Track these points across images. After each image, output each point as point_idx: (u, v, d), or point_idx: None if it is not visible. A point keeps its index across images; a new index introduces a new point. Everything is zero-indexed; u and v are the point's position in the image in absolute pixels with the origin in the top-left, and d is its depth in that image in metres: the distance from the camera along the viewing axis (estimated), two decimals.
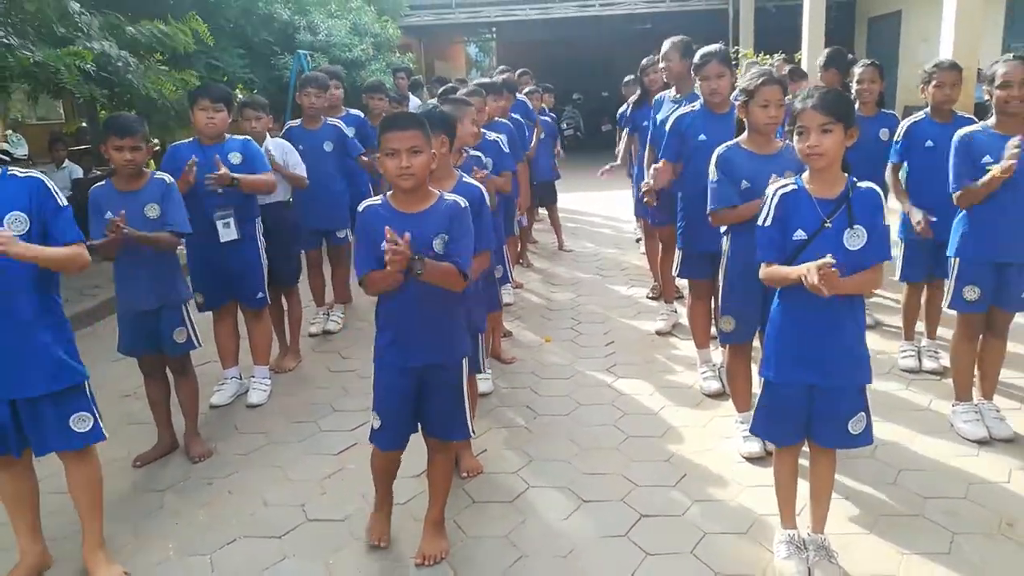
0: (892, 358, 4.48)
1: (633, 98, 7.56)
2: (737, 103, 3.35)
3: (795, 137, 2.51)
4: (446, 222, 2.64)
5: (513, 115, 6.06)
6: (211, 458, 3.76)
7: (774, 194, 2.59)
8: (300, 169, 4.83)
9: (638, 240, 8.01)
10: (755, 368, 3.29)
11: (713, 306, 4.30)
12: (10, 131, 21.73)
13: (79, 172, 8.84)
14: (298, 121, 5.40)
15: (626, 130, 7.10)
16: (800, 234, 2.53)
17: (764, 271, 2.63)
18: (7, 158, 19.91)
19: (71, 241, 2.67)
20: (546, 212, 8.61)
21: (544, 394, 4.34)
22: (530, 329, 5.53)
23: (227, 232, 4.16)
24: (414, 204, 2.66)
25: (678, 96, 4.89)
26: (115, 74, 6.23)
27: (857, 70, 4.88)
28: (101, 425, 2.83)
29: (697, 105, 4.07)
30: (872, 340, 4.74)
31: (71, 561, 2.94)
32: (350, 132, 5.54)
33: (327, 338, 5.57)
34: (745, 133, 3.35)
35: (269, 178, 4.31)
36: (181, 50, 7.05)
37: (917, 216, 3.97)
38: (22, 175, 2.66)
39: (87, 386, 2.79)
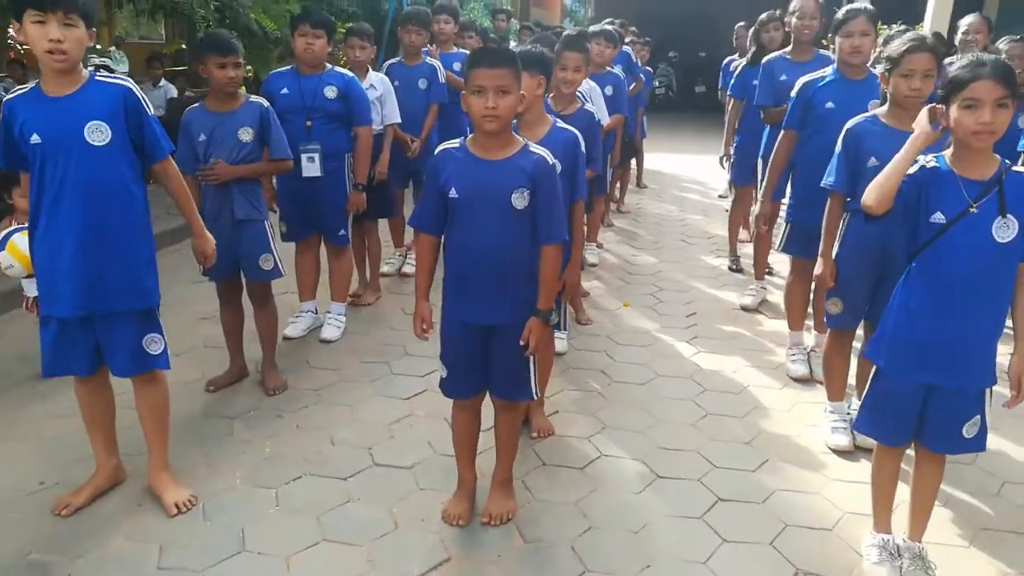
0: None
1: (740, 57, 7.23)
2: (879, 71, 3.05)
3: (956, 110, 2.23)
4: (528, 178, 2.43)
5: (612, 68, 5.79)
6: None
7: (914, 166, 2.34)
8: (392, 117, 4.72)
9: (727, 210, 7.68)
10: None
11: (812, 287, 4.06)
12: (113, 47, 22.37)
13: (174, 92, 8.95)
14: (398, 58, 5.29)
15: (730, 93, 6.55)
16: (939, 217, 2.28)
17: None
18: (109, 73, 20.64)
19: (160, 157, 2.63)
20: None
21: (620, 360, 4.18)
22: (608, 291, 5.36)
23: (311, 167, 4.10)
24: (495, 151, 2.47)
25: (790, 56, 4.58)
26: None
27: (1003, 46, 4.48)
28: (168, 353, 2.82)
29: (828, 71, 3.76)
30: None
31: (144, 477, 2.95)
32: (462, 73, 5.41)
33: (403, 280, 5.52)
34: (885, 106, 3.06)
35: (364, 142, 4.27)
36: None
37: None
38: (110, 81, 2.60)
39: (157, 311, 2.78)
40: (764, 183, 3.93)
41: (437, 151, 2.56)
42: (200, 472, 3.08)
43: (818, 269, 3.18)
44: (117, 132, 2.54)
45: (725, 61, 7.97)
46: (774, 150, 3.90)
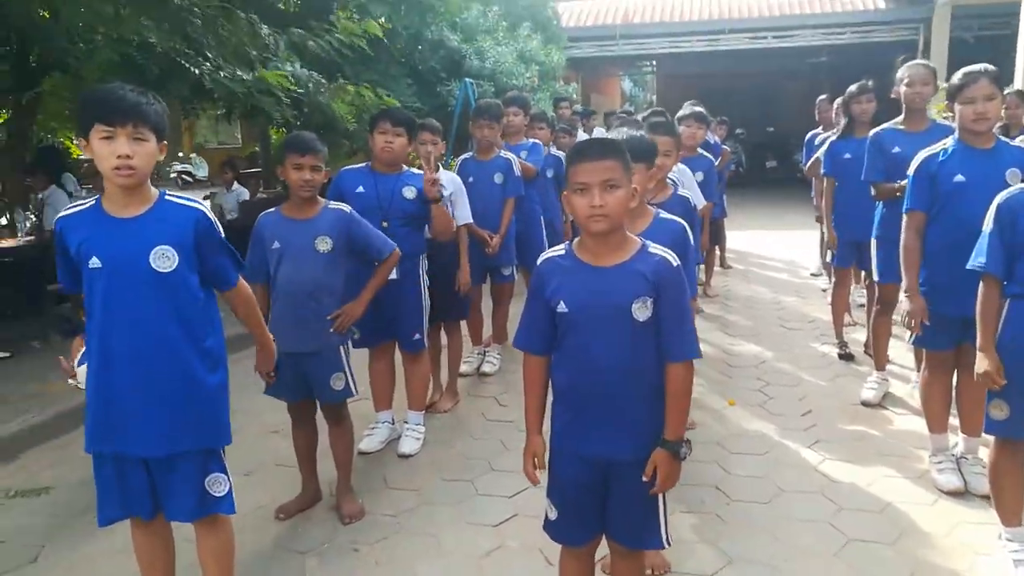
0: None
1: (824, 131, 6.87)
2: None
3: None
4: (650, 285, 2.06)
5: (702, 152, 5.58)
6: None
7: None
8: (464, 217, 4.46)
9: (824, 290, 7.17)
10: None
11: (955, 381, 3.53)
12: (194, 154, 23.51)
13: (246, 194, 9.02)
14: (471, 153, 5.10)
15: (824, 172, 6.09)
16: None
17: None
18: (190, 178, 21.57)
19: (227, 288, 2.41)
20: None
21: (736, 473, 3.67)
22: (710, 387, 4.86)
23: None
24: (607, 255, 2.11)
25: (902, 127, 4.19)
26: (305, 95, 6.19)
27: None
28: (233, 495, 2.49)
29: (949, 142, 3.35)
30: None
31: None
32: (530, 160, 5.31)
33: (482, 380, 5.16)
34: None
35: (451, 222, 4.03)
36: (359, 46, 6.96)
37: None
38: (179, 202, 2.35)
39: (222, 450, 2.48)
40: (904, 278, 3.44)
41: (540, 261, 2.22)
42: None
43: (980, 367, 2.69)
44: (184, 257, 2.29)
45: (808, 136, 7.60)
46: (903, 237, 3.44)
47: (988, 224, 2.71)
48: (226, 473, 2.46)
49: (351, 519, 3.33)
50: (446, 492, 3.61)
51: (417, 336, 4.02)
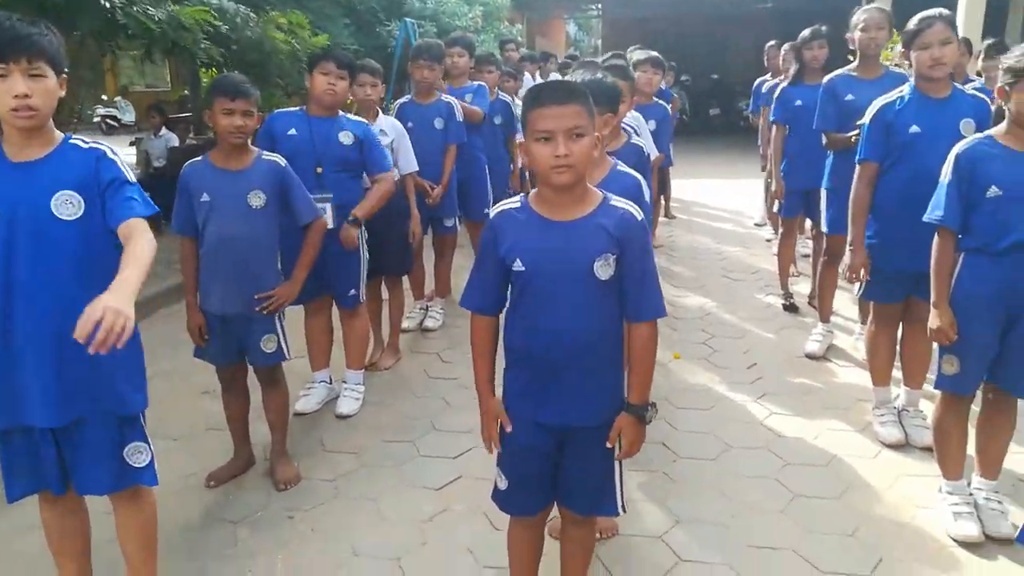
0: None
1: (773, 78, 6.81)
2: (997, 86, 2.57)
3: None
4: (613, 240, 1.92)
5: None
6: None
7: None
8: (409, 166, 4.28)
9: (768, 240, 7.18)
10: None
11: (900, 334, 3.53)
12: (119, 97, 22.26)
13: (175, 140, 8.55)
14: (409, 97, 4.85)
15: (769, 114, 5.97)
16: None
17: None
18: (115, 123, 20.43)
19: (127, 216, 2.01)
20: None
21: (682, 428, 3.63)
22: None
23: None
24: (568, 209, 1.95)
25: (856, 74, 4.10)
26: (233, 31, 5.76)
27: None
28: (155, 465, 2.30)
29: (905, 89, 3.27)
30: None
31: None
32: (475, 104, 5.08)
33: (424, 336, 5.01)
34: (1003, 125, 2.57)
35: (386, 186, 3.79)
36: None
37: None
38: (85, 146, 2.10)
39: (142, 417, 2.26)
40: (850, 230, 3.38)
41: (493, 214, 2.06)
42: None
43: (934, 322, 2.66)
44: (90, 203, 2.05)
45: (757, 82, 7.54)
46: (853, 187, 3.37)
47: (946, 175, 2.65)
48: (147, 442, 2.26)
49: (286, 485, 3.18)
50: (387, 454, 3.48)
51: (353, 292, 3.83)
